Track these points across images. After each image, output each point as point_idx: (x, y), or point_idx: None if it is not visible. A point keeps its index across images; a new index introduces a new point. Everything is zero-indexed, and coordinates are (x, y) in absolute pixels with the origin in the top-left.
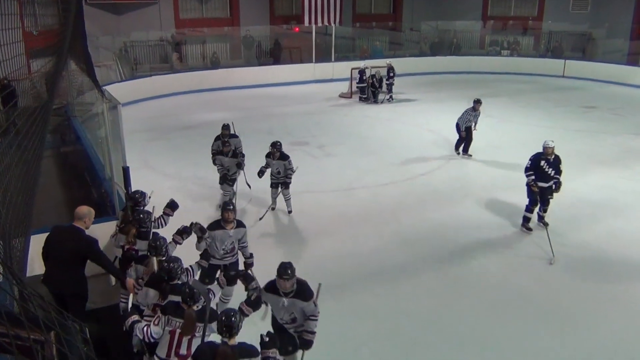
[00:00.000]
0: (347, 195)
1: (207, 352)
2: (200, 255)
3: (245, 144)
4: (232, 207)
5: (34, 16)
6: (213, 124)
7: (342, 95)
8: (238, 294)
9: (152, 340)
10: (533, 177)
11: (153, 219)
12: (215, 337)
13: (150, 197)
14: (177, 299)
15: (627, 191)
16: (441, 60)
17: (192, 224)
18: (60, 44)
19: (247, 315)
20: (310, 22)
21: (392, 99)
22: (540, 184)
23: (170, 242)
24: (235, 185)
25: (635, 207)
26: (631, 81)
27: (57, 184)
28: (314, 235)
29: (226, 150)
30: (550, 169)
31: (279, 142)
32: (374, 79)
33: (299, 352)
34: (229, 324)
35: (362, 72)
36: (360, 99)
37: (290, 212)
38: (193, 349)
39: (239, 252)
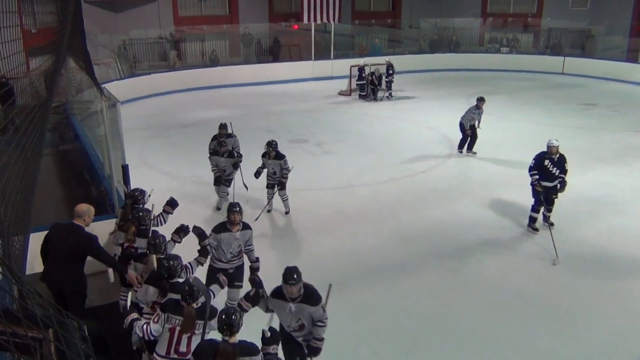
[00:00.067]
0: (346, 193)
1: (207, 350)
2: (199, 251)
3: (243, 142)
4: (238, 208)
5: (32, 14)
6: (212, 122)
7: (341, 93)
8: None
9: (151, 338)
10: (537, 176)
11: (152, 217)
12: (215, 335)
13: (150, 195)
14: (177, 296)
15: (626, 188)
16: (440, 58)
17: (194, 227)
18: (59, 41)
19: (247, 311)
20: (309, 20)
21: (392, 97)
22: (545, 184)
23: (168, 241)
24: (232, 186)
25: (635, 204)
26: (630, 78)
27: (56, 182)
28: (312, 233)
29: (222, 151)
30: (555, 168)
31: (274, 141)
32: (373, 77)
33: None
34: (229, 322)
35: (361, 69)
36: (360, 96)
37: (287, 212)
38: (193, 347)
39: (244, 255)
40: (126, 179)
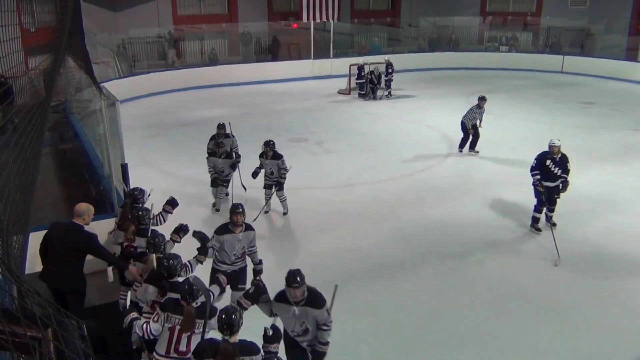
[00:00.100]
0: (345, 192)
1: (207, 349)
2: (198, 250)
3: (243, 141)
4: (241, 209)
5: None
6: (211, 121)
7: (340, 92)
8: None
9: (151, 337)
10: (539, 176)
11: (152, 216)
12: (214, 334)
13: (149, 195)
14: (177, 295)
15: (625, 187)
16: (440, 56)
17: (194, 232)
18: (58, 40)
19: (246, 309)
20: (308, 19)
21: (391, 95)
22: (547, 184)
23: (168, 241)
24: (230, 186)
25: (634, 202)
26: (630, 77)
27: (55, 181)
28: (312, 232)
29: (220, 152)
30: (557, 168)
31: (272, 141)
32: (373, 75)
33: None
34: (229, 322)
35: (360, 68)
36: (359, 95)
37: (285, 213)
38: (192, 346)
39: (247, 256)
40: (125, 178)
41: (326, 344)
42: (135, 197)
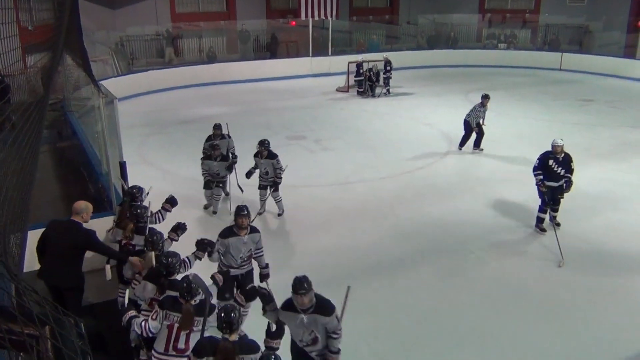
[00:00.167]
0: (344, 190)
1: (207, 347)
2: (196, 245)
3: (241, 139)
4: (246, 212)
5: (29, 10)
6: (210, 119)
7: (339, 89)
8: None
9: (150, 335)
10: (541, 177)
11: (150, 214)
12: (213, 332)
13: (148, 193)
14: (175, 293)
15: (624, 184)
16: (438, 54)
17: (197, 242)
18: (56, 38)
19: (243, 306)
20: (306, 16)
21: (389, 93)
22: (550, 184)
23: (166, 239)
24: (227, 187)
25: (634, 199)
26: (628, 74)
27: (53, 179)
28: (310, 229)
29: (215, 154)
30: (560, 168)
31: (266, 140)
32: (371, 73)
33: None
34: (229, 320)
35: (359, 65)
36: (358, 92)
37: (280, 214)
38: (191, 344)
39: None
40: (124, 176)
41: (337, 352)
42: (134, 195)
